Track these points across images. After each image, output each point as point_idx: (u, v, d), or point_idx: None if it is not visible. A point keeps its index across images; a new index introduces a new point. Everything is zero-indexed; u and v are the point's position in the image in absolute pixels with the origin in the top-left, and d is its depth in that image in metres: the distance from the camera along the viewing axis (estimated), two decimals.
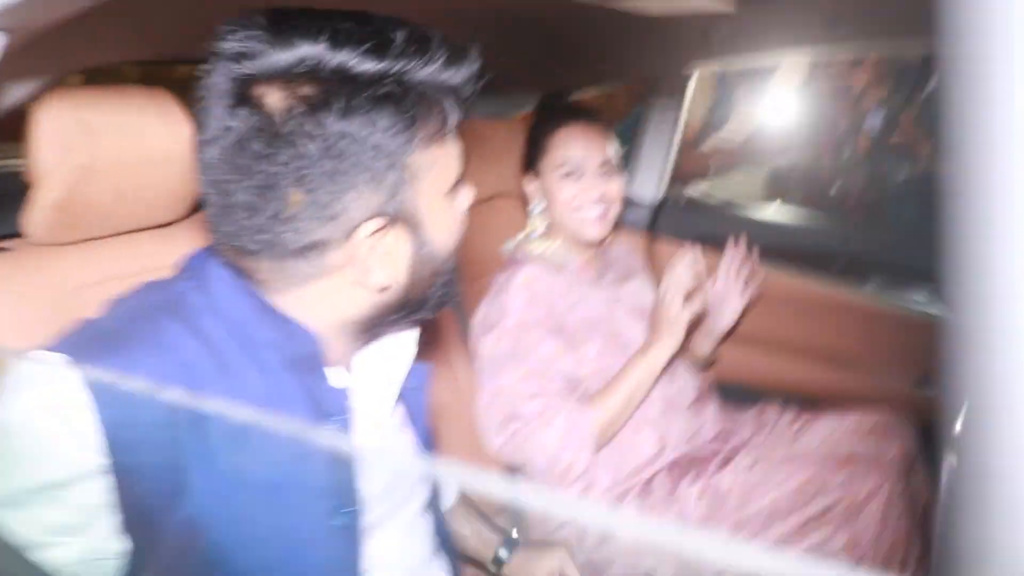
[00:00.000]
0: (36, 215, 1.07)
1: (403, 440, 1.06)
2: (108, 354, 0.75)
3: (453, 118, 0.82)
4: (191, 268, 0.86)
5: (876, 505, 1.46)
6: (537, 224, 1.81)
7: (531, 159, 1.83)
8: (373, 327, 0.90)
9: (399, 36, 0.76)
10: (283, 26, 0.73)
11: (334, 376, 0.88)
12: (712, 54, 2.02)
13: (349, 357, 0.93)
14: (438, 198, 0.84)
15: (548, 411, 1.54)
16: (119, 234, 1.17)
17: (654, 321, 1.63)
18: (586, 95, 2.45)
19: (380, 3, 0.79)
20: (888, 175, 2.81)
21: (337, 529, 0.86)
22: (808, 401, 2.21)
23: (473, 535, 1.35)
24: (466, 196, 0.92)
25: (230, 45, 0.74)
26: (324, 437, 0.78)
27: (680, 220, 2.39)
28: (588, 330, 1.70)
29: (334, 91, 0.73)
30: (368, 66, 0.74)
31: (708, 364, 2.05)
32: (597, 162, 1.76)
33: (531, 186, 1.82)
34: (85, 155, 1.04)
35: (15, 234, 1.13)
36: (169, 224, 1.23)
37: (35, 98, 1.06)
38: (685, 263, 1.60)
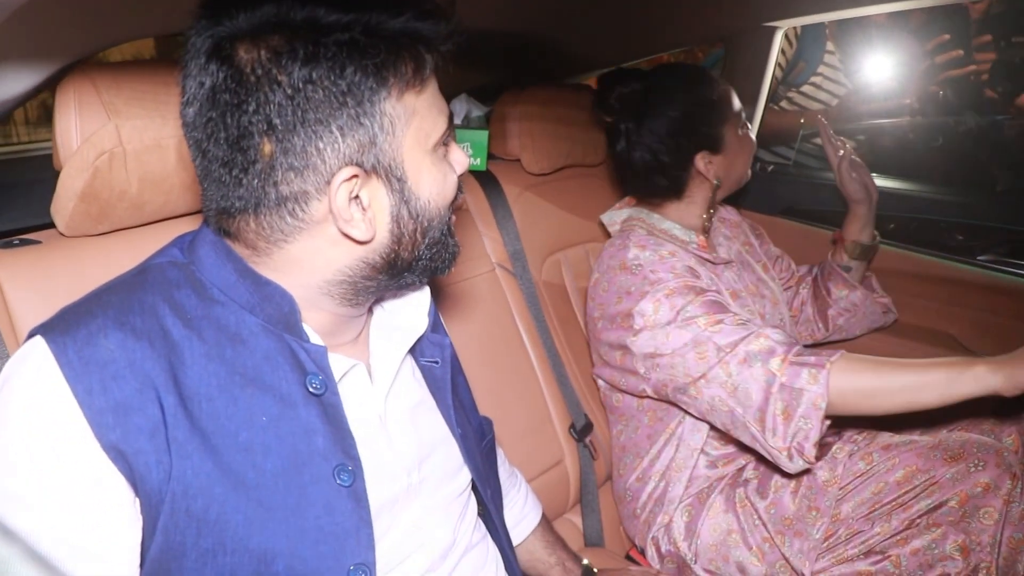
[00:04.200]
0: (63, 205, 1.02)
1: (426, 417, 1.02)
2: (74, 328, 0.75)
3: (428, 67, 0.81)
4: (180, 242, 0.88)
5: (994, 503, 1.29)
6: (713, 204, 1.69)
7: (707, 132, 1.62)
8: (360, 293, 0.88)
9: None
10: None
11: (315, 336, 0.87)
12: (802, 5, 1.85)
13: (345, 325, 0.93)
14: (423, 152, 0.83)
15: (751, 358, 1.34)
16: (152, 223, 1.11)
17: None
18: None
19: None
20: (1004, 137, 2.56)
21: (344, 490, 0.83)
22: None
23: (557, 564, 1.32)
24: (460, 158, 0.91)
25: (206, 7, 0.75)
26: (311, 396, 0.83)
27: (766, 189, 2.23)
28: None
29: (299, 39, 0.73)
30: (335, 17, 0.74)
31: (871, 252, 1.85)
32: None
33: (707, 163, 1.62)
34: (108, 140, 0.98)
35: (48, 224, 1.08)
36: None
37: (58, 80, 1.01)
38: None
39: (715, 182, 1.63)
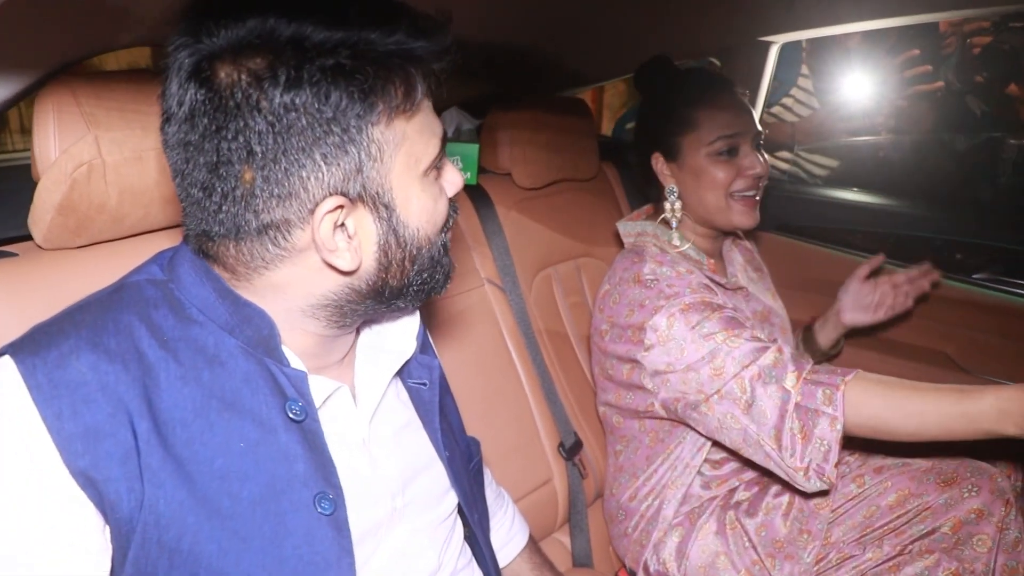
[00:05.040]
0: (40, 217, 0.99)
1: (411, 439, 0.99)
2: (44, 349, 0.72)
3: (419, 90, 0.76)
4: (160, 258, 0.85)
5: (987, 529, 1.27)
6: (671, 211, 1.57)
7: (663, 135, 1.57)
8: (347, 316, 0.85)
9: (358, 6, 0.73)
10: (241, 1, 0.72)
11: (296, 360, 0.84)
12: (798, 21, 1.84)
13: (331, 346, 0.90)
14: (412, 178, 0.79)
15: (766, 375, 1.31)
16: (132, 236, 1.09)
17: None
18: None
19: None
20: (990, 154, 2.56)
21: (324, 519, 0.80)
22: None
23: None
24: (454, 179, 0.88)
25: (189, 21, 0.72)
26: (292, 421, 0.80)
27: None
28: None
29: (282, 62, 0.69)
30: (323, 36, 0.70)
31: (821, 356, 1.83)
32: (751, 136, 1.54)
33: (662, 166, 1.58)
34: (87, 151, 0.96)
35: (26, 236, 1.05)
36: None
37: (38, 88, 0.99)
38: None
39: (669, 187, 1.57)
